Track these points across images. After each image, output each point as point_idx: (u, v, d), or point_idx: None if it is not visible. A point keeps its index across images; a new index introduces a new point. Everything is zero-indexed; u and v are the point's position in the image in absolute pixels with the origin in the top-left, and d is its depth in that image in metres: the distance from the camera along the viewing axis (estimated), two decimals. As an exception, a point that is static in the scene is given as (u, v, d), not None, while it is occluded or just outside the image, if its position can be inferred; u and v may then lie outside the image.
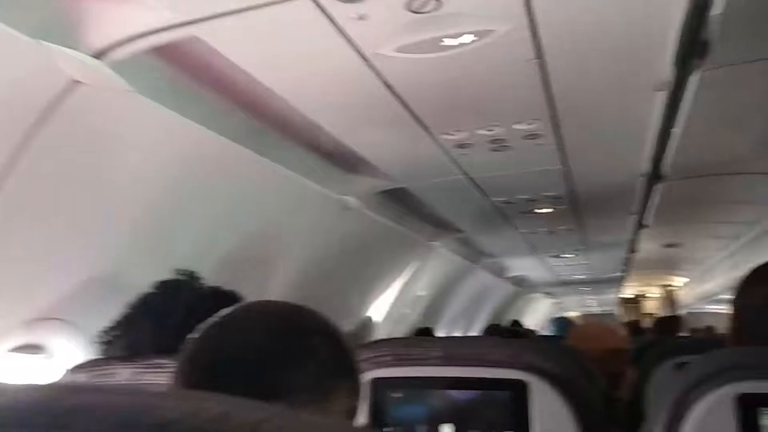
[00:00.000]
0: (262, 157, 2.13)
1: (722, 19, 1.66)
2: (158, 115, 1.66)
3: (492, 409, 1.30)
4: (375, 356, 1.42)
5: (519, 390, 1.29)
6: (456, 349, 1.38)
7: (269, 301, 0.82)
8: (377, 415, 1.33)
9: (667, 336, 3.57)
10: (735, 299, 1.29)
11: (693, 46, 1.74)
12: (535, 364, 1.33)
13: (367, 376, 1.37)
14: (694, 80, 2.00)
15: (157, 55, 1.55)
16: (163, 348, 1.35)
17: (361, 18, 1.34)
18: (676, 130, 2.46)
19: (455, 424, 1.30)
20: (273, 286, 2.79)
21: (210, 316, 1.73)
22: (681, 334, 3.95)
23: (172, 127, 1.74)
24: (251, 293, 2.55)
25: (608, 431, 1.40)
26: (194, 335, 0.76)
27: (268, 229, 2.48)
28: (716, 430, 1.05)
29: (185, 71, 1.68)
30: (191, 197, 2.03)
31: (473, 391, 1.32)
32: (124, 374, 1.32)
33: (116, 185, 1.76)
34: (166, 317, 1.61)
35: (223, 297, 1.76)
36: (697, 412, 1.09)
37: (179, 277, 1.69)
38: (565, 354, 1.89)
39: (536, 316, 12.02)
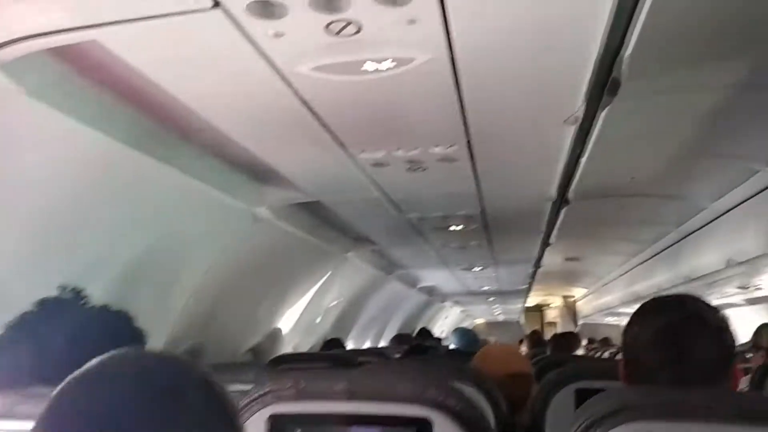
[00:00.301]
0: (166, 165, 2.02)
1: (631, 60, 1.73)
2: (53, 118, 1.53)
3: (396, 447, 1.27)
4: (275, 390, 1.36)
5: (423, 427, 1.27)
6: (361, 383, 1.35)
7: (139, 352, 0.75)
8: (275, 453, 1.27)
9: (563, 353, 3.70)
10: (625, 332, 1.31)
11: (604, 85, 1.81)
12: (438, 400, 1.32)
13: (266, 411, 1.32)
14: (602, 115, 2.08)
15: (55, 57, 1.43)
16: (44, 376, 1.23)
17: (278, 35, 1.28)
18: (584, 159, 2.56)
19: (358, 463, 1.27)
20: (175, 299, 2.66)
21: (97, 338, 1.60)
22: (577, 352, 4.11)
23: (68, 131, 1.60)
24: (151, 307, 2.44)
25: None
26: (55, 392, 0.67)
27: (171, 240, 2.35)
28: (614, 469, 1.07)
29: (84, 74, 1.56)
30: (87, 205, 1.89)
31: (378, 427, 1.29)
32: (-5, 404, 1.19)
33: (2, 187, 1.59)
34: (47, 341, 1.47)
35: (113, 318, 1.64)
36: None
37: (63, 294, 1.56)
38: (470, 382, 1.91)
39: (446, 323, 12.29)
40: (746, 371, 2.97)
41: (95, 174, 1.82)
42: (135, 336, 1.67)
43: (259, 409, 1.33)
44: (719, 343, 1.19)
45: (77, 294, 1.58)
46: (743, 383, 3.01)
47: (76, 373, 0.68)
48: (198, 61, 1.42)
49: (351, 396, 1.31)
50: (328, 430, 1.30)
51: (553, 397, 2.13)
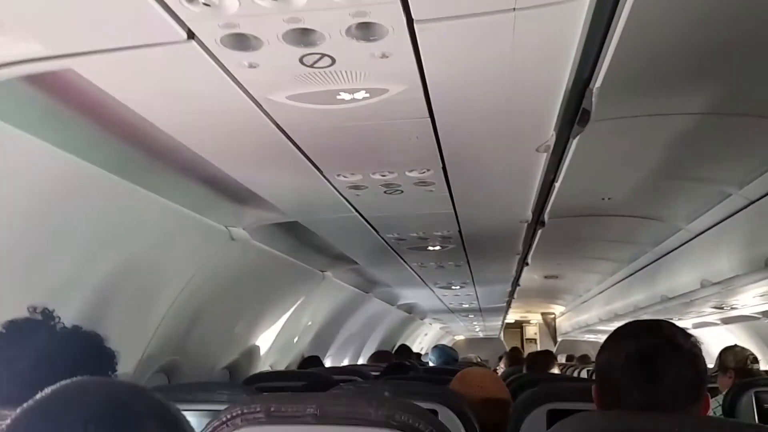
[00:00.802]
0: (138, 187, 2.02)
1: (601, 91, 1.78)
2: (24, 140, 1.53)
3: (366, 471, 1.28)
4: (246, 413, 1.36)
5: (393, 452, 1.28)
6: (331, 407, 1.36)
7: (94, 380, 0.75)
8: (244, 478, 1.28)
9: (538, 373, 3.73)
10: (598, 356, 1.33)
11: (574, 115, 1.86)
12: (409, 424, 1.33)
13: (234, 437, 1.32)
14: (574, 143, 2.13)
15: (27, 80, 1.43)
16: (11, 399, 1.22)
17: (252, 66, 1.31)
18: (557, 184, 2.61)
19: (328, 488, 1.28)
20: (149, 318, 2.65)
21: (67, 360, 1.59)
22: (553, 370, 4.14)
23: (39, 153, 1.60)
24: (124, 327, 2.43)
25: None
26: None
27: (145, 261, 2.35)
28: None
29: (56, 97, 1.56)
30: (57, 226, 1.89)
31: (348, 451, 1.30)
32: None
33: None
34: (16, 362, 1.46)
35: (83, 339, 1.63)
36: None
37: (33, 316, 1.56)
38: (445, 403, 1.92)
39: (425, 340, 12.28)
40: (712, 392, 3.02)
41: (67, 195, 1.82)
42: (105, 357, 1.66)
43: (229, 432, 1.33)
44: (692, 369, 1.21)
45: (48, 315, 1.58)
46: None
47: (28, 402, 0.68)
48: (173, 89, 1.44)
49: (321, 420, 1.32)
50: (298, 453, 1.30)
51: (526, 418, 2.15)
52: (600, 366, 1.31)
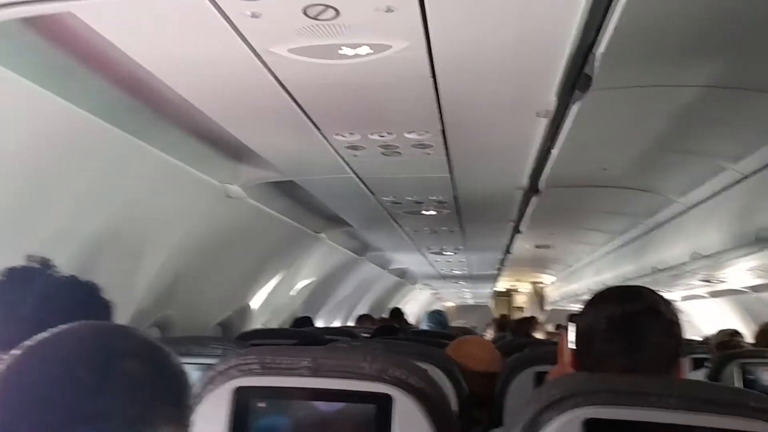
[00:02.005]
0: (135, 138, 2.01)
1: (604, 57, 1.77)
2: (18, 85, 1.51)
3: (357, 421, 1.31)
4: (241, 364, 1.38)
5: (384, 403, 1.30)
6: (325, 360, 1.38)
7: (84, 324, 0.76)
8: (238, 426, 1.30)
9: (523, 337, 3.81)
10: (578, 320, 1.32)
11: (576, 80, 1.85)
12: (400, 378, 1.36)
13: (231, 384, 1.34)
14: (574, 109, 2.13)
15: (24, 24, 1.41)
16: (11, 343, 1.24)
17: (254, 16, 1.29)
18: (555, 151, 2.61)
19: (319, 436, 1.30)
20: (143, 272, 2.66)
21: (64, 307, 1.61)
22: (536, 335, 4.23)
23: (34, 99, 1.58)
24: (118, 280, 2.44)
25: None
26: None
27: (139, 213, 2.35)
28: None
29: (54, 42, 1.54)
30: (52, 176, 1.88)
31: (340, 403, 1.32)
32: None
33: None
34: (15, 308, 1.47)
35: (80, 288, 1.64)
36: None
37: (31, 264, 1.56)
38: (434, 363, 1.95)
39: (416, 305, 12.40)
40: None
41: (62, 143, 1.81)
42: (103, 307, 1.68)
43: (225, 382, 1.35)
44: (672, 336, 1.22)
45: (45, 263, 1.58)
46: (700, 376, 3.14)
47: (24, 344, 0.70)
48: (172, 37, 1.42)
49: (315, 372, 1.34)
50: (292, 404, 1.33)
51: (513, 380, 2.20)
52: (581, 329, 1.30)
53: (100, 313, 1.86)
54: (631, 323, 1.22)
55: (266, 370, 1.36)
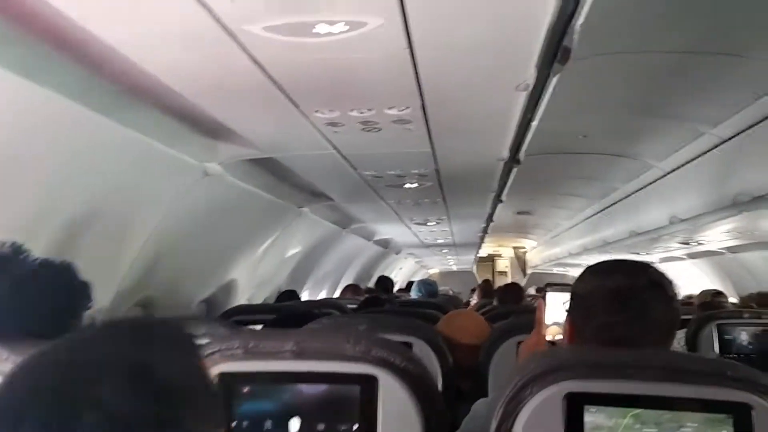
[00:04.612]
0: (108, 119, 1.96)
1: (582, 29, 1.75)
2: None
3: (342, 403, 1.31)
4: (224, 349, 1.38)
5: (368, 384, 1.31)
6: (309, 343, 1.38)
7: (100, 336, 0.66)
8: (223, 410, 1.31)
9: (509, 305, 3.85)
10: (578, 287, 1.31)
11: (555, 53, 1.83)
12: (384, 358, 1.36)
13: (215, 370, 1.34)
14: (553, 81, 2.11)
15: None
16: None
17: (226, -5, 1.25)
18: (535, 123, 2.60)
19: (304, 418, 1.31)
20: (123, 252, 2.64)
21: (40, 289, 1.59)
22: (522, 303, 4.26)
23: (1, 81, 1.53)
24: (97, 261, 2.42)
25: (450, 424, 1.47)
26: None
27: (116, 195, 2.32)
28: (546, 426, 1.13)
29: (19, 20, 1.48)
30: (24, 158, 1.83)
31: (324, 385, 1.33)
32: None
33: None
34: (-12, 296, 1.46)
35: (55, 270, 1.63)
36: (528, 409, 1.16)
37: (1, 250, 1.55)
38: (421, 336, 1.97)
39: (401, 273, 12.49)
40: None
41: (33, 126, 1.76)
42: (80, 287, 1.68)
43: (208, 368, 1.35)
44: (672, 311, 1.24)
45: (17, 249, 1.57)
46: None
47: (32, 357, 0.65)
48: (144, 16, 1.38)
49: (298, 355, 1.34)
50: (276, 387, 1.33)
51: (497, 350, 2.23)
52: (580, 298, 1.29)
53: (78, 293, 1.85)
54: (637, 297, 1.22)
55: (250, 354, 1.36)
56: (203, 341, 1.40)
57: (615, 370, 1.16)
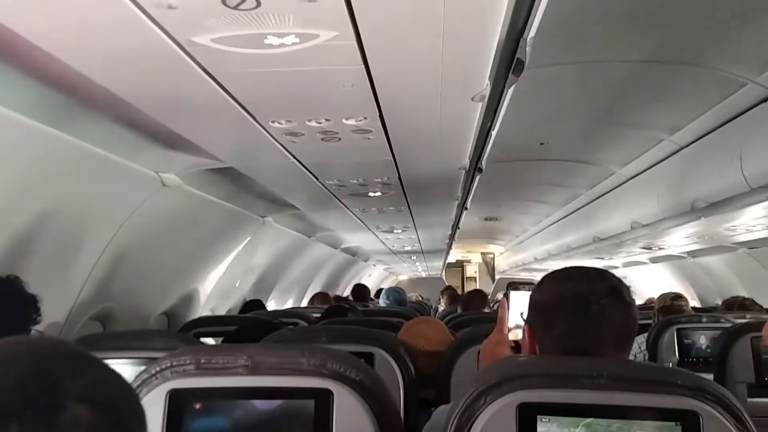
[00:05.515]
0: (58, 132, 1.92)
1: (535, 41, 1.77)
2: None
3: (296, 418, 1.29)
4: (175, 365, 1.34)
5: (323, 398, 1.29)
6: (263, 358, 1.36)
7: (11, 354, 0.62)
8: (173, 429, 1.27)
9: (472, 312, 3.86)
10: (538, 295, 1.29)
11: (509, 65, 1.85)
12: (339, 372, 1.35)
13: (165, 387, 1.30)
14: (509, 92, 2.14)
15: None
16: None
17: (171, 7, 1.23)
18: (494, 132, 2.63)
19: (258, 435, 1.29)
20: (78, 265, 2.57)
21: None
22: (485, 310, 4.29)
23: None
24: (50, 275, 2.35)
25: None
26: None
27: (69, 208, 2.26)
28: (500, 437, 1.13)
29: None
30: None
31: (278, 401, 1.31)
32: None
33: None
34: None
35: (1, 284, 1.58)
36: (482, 419, 1.16)
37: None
38: (383, 347, 1.95)
39: (369, 281, 12.47)
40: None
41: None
42: (27, 300, 1.63)
43: (158, 385, 1.31)
44: (631, 318, 1.23)
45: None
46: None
47: None
48: (91, 31, 1.35)
49: (252, 370, 1.32)
50: (229, 404, 1.30)
51: (458, 358, 2.23)
52: (539, 305, 1.27)
53: (26, 307, 1.80)
54: (596, 302, 1.20)
55: (201, 370, 1.33)
56: (158, 356, 1.37)
57: (567, 380, 1.16)
